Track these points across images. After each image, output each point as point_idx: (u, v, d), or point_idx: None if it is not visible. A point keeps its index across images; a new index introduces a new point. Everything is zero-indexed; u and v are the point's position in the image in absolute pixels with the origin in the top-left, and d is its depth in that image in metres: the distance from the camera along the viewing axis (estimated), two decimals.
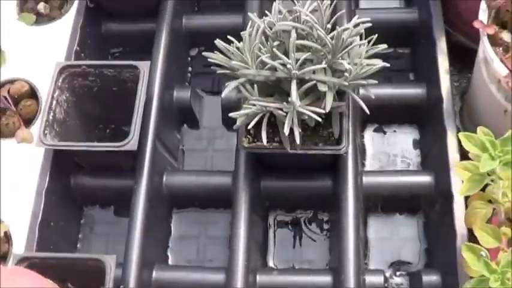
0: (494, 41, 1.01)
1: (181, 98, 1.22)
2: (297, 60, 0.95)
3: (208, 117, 1.26)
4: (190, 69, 1.31)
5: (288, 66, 0.94)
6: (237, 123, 0.99)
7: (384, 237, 1.13)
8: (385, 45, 1.00)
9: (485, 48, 1.00)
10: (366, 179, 1.10)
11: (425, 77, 1.19)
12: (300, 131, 0.97)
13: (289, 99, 0.95)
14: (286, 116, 0.96)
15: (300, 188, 1.13)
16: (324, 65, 0.96)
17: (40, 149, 1.14)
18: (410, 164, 1.18)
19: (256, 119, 0.97)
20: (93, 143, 1.11)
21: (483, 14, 1.02)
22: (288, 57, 0.95)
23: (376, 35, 0.98)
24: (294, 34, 0.96)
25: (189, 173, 1.18)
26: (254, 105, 0.97)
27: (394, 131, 1.22)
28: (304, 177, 1.12)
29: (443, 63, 1.12)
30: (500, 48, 1.01)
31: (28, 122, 1.21)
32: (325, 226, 1.15)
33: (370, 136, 1.21)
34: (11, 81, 1.24)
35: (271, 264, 1.12)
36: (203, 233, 1.17)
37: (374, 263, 1.11)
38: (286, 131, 0.95)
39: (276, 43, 0.98)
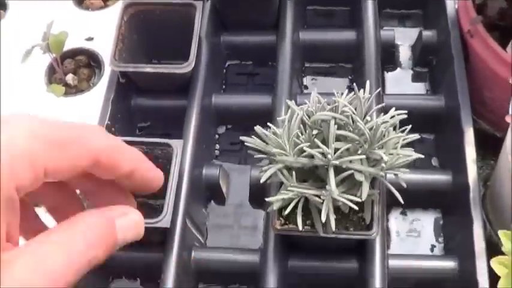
0: None
1: (210, 175, 1.24)
2: (336, 149, 0.98)
3: (234, 194, 1.28)
4: (217, 146, 1.33)
5: (328, 156, 0.96)
6: (274, 208, 1.01)
7: None
8: (417, 136, 1.02)
9: None
10: (392, 262, 1.12)
11: (450, 163, 1.22)
12: (335, 217, 0.99)
13: (327, 187, 0.97)
14: (322, 203, 0.98)
15: (326, 268, 1.14)
16: (362, 155, 0.99)
17: None
18: (434, 248, 1.20)
19: (292, 204, 0.99)
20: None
21: None
22: (326, 146, 0.98)
23: (404, 122, 1.01)
24: (333, 124, 0.99)
25: (216, 250, 1.19)
26: (291, 191, 0.99)
27: (418, 215, 1.24)
28: (331, 258, 1.14)
29: (470, 152, 1.15)
30: None
31: None
32: None
33: (394, 220, 1.23)
34: None
35: None
36: None
37: None
38: (324, 217, 0.97)
39: (314, 132, 1.01)
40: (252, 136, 1.04)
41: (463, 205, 1.13)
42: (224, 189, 1.26)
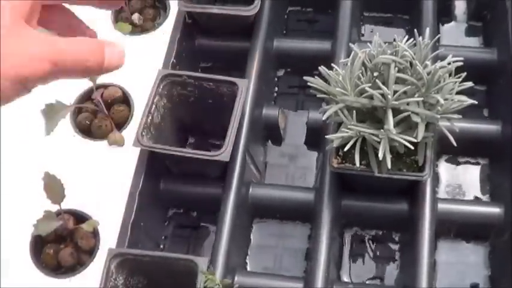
0: None
1: (269, 115, 1.30)
2: (395, 91, 1.03)
3: (290, 135, 1.33)
4: (276, 89, 1.38)
5: (389, 96, 1.01)
6: (333, 145, 1.06)
7: (451, 262, 1.20)
8: (471, 83, 1.07)
9: None
10: (440, 206, 1.17)
11: (500, 114, 1.26)
12: (390, 156, 1.04)
13: (385, 126, 1.02)
14: (379, 142, 1.03)
15: (377, 209, 1.20)
16: (419, 98, 1.03)
17: (133, 152, 1.21)
18: (481, 195, 1.25)
19: (351, 143, 1.04)
20: (188, 150, 1.17)
21: None
22: (386, 87, 1.02)
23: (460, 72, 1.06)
24: (393, 67, 1.03)
25: (274, 187, 1.25)
26: (351, 129, 1.04)
27: (466, 163, 1.28)
28: (382, 199, 1.19)
29: None
30: None
31: (119, 126, 1.28)
32: (397, 246, 1.21)
33: (443, 166, 1.28)
34: (105, 86, 1.31)
35: (344, 278, 1.19)
36: (280, 243, 1.24)
37: (440, 284, 1.18)
38: (381, 155, 1.02)
39: (375, 74, 1.05)
40: (315, 76, 1.09)
41: (511, 154, 1.17)
42: (282, 130, 1.31)
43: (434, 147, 1.12)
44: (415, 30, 1.07)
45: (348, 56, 1.11)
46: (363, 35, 1.43)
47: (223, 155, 1.12)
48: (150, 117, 1.17)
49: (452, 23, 1.43)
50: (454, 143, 1.04)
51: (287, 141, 1.33)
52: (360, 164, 1.08)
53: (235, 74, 1.27)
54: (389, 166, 1.03)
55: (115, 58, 0.64)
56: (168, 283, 1.08)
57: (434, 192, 1.16)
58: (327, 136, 1.07)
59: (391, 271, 1.20)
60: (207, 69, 1.40)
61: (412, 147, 1.03)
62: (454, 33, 1.42)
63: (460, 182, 1.26)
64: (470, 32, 1.43)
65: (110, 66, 0.64)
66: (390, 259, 1.21)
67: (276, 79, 1.40)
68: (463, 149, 1.24)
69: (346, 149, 1.04)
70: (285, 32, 1.45)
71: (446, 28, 1.42)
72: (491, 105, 1.32)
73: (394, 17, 1.45)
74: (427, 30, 1.20)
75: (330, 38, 1.33)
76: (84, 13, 1.27)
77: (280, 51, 1.37)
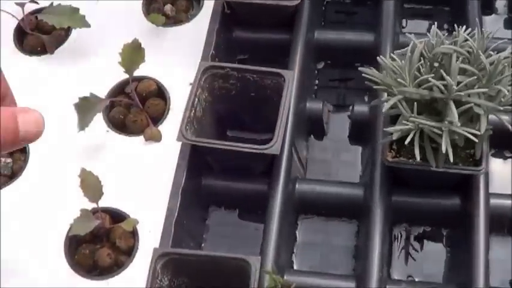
0: None
1: (313, 109, 1.26)
2: (458, 82, 0.99)
3: (333, 130, 1.30)
4: (317, 82, 1.35)
5: (453, 87, 0.98)
6: (392, 138, 1.03)
7: (503, 258, 1.17)
8: None
9: None
10: (493, 201, 1.14)
11: None
12: (451, 149, 1.01)
13: (447, 119, 0.99)
14: (438, 135, 1.00)
15: (429, 204, 1.16)
16: (483, 89, 1.00)
17: (171, 147, 1.17)
18: None
19: (411, 135, 1.01)
20: (237, 144, 1.12)
21: None
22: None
23: None
24: (455, 57, 1.00)
25: (321, 182, 1.21)
26: (412, 122, 1.01)
27: None
28: (434, 194, 1.16)
29: None
30: None
31: (154, 120, 1.25)
32: (448, 243, 1.18)
33: (492, 160, 1.25)
34: (139, 79, 1.27)
35: (395, 276, 1.16)
36: (327, 241, 1.20)
37: (493, 283, 1.14)
38: (444, 149, 0.99)
39: (435, 65, 1.02)
40: (371, 68, 1.05)
41: None
42: (325, 124, 1.28)
43: (490, 141, 1.09)
44: (476, 19, 1.04)
45: (394, 49, 1.08)
46: (403, 27, 1.40)
47: (273, 148, 1.08)
48: (193, 111, 1.13)
49: (493, 15, 1.40)
50: None
51: (330, 136, 1.30)
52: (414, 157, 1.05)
53: (273, 67, 1.23)
54: (451, 159, 1.00)
55: (31, 127, 0.59)
56: (215, 283, 1.04)
57: (487, 186, 1.13)
58: (385, 129, 1.04)
59: (441, 268, 1.17)
60: (244, 61, 1.37)
61: (476, 140, 1.00)
62: (495, 25, 1.38)
63: (509, 177, 1.23)
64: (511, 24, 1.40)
65: (26, 138, 0.59)
66: (440, 256, 1.18)
67: (316, 72, 1.36)
68: (509, 143, 1.22)
69: (407, 141, 1.01)
70: (323, 23, 1.41)
71: (487, 20, 1.39)
72: None
73: (434, 9, 1.42)
74: (477, 20, 1.17)
75: (371, 30, 1.30)
76: (115, 4, 1.23)
77: (321, 43, 1.34)
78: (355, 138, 1.27)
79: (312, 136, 1.30)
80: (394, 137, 1.02)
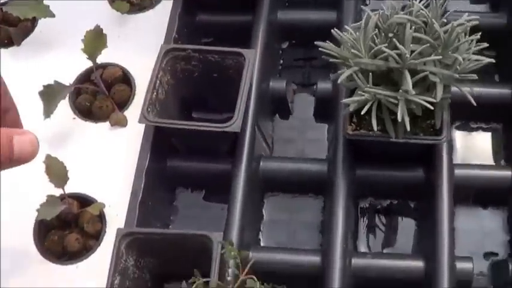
0: None
1: (277, 88, 1.26)
2: (412, 51, 1.00)
3: (298, 108, 1.30)
4: (281, 61, 1.35)
5: (406, 56, 0.98)
6: (349, 109, 1.03)
7: (469, 228, 1.17)
8: (486, 44, 1.05)
9: None
10: (458, 171, 1.14)
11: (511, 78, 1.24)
12: (408, 119, 1.01)
13: (402, 87, 0.99)
14: (395, 105, 1.01)
15: (392, 177, 1.17)
16: (437, 56, 1.01)
17: (136, 131, 1.18)
18: (495, 159, 1.23)
19: (367, 106, 1.02)
20: (197, 123, 1.13)
21: None
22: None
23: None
24: (409, 27, 1.01)
25: (285, 160, 1.22)
26: (367, 93, 1.01)
27: (479, 128, 1.26)
28: (397, 166, 1.16)
29: None
30: None
31: (120, 106, 1.25)
32: (414, 215, 1.19)
33: (455, 132, 1.25)
34: (104, 66, 1.28)
35: (362, 249, 1.16)
36: (294, 217, 1.21)
37: (459, 252, 1.15)
38: (400, 117, 0.99)
39: (390, 35, 1.03)
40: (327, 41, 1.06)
41: None
42: (290, 103, 1.28)
43: (449, 111, 1.09)
44: None
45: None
46: (367, 4, 1.39)
47: (233, 125, 1.08)
48: (154, 93, 1.14)
49: None
50: (474, 103, 1.02)
51: (295, 115, 1.30)
52: (376, 129, 1.05)
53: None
54: (408, 128, 1.01)
55: (26, 148, 0.59)
56: (180, 262, 1.04)
57: (451, 157, 1.14)
58: (342, 101, 1.04)
59: (409, 240, 1.17)
60: (209, 44, 1.36)
61: (432, 108, 1.01)
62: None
63: (474, 148, 1.24)
64: None
65: (20, 159, 0.59)
66: (407, 228, 1.18)
67: (280, 52, 1.37)
68: (475, 114, 1.23)
69: (363, 112, 1.01)
70: (287, 4, 1.41)
71: None
72: (502, 70, 1.29)
73: None
74: None
75: (334, 9, 1.31)
76: None
77: (284, 23, 1.34)
78: (320, 115, 1.28)
79: (277, 115, 1.30)
80: (351, 108, 1.03)
